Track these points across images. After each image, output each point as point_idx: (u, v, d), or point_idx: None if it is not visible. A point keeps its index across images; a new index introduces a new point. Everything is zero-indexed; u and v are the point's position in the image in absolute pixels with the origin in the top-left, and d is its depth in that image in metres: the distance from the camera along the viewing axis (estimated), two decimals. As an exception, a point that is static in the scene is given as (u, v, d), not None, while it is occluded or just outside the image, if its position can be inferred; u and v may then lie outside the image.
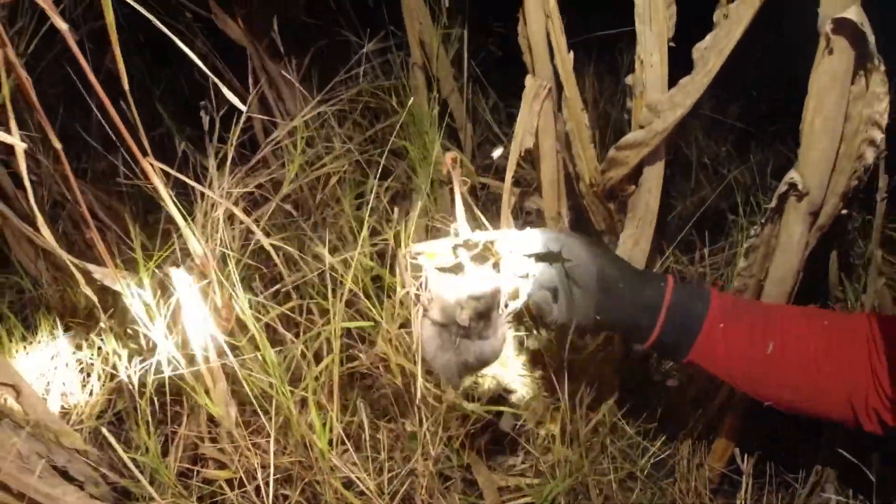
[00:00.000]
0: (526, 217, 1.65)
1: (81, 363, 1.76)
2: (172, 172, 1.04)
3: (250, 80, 1.73)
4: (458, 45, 1.69)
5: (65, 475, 1.23)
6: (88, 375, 1.69)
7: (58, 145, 0.94)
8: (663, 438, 1.45)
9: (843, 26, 0.77)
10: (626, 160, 1.10)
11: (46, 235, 0.82)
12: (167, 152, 1.82)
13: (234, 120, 1.29)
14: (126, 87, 0.97)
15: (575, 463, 1.32)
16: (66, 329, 1.86)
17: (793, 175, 0.91)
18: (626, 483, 1.42)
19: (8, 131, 0.81)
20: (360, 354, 1.18)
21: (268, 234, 1.45)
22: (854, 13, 0.75)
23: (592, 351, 1.32)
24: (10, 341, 1.81)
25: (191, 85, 2.01)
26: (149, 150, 1.05)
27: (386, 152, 1.49)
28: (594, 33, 1.52)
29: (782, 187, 0.93)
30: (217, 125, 1.30)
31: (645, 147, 1.07)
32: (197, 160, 1.73)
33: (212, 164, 1.34)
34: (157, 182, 1.00)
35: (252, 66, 1.96)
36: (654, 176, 1.11)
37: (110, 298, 1.27)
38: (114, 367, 1.66)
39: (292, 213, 1.67)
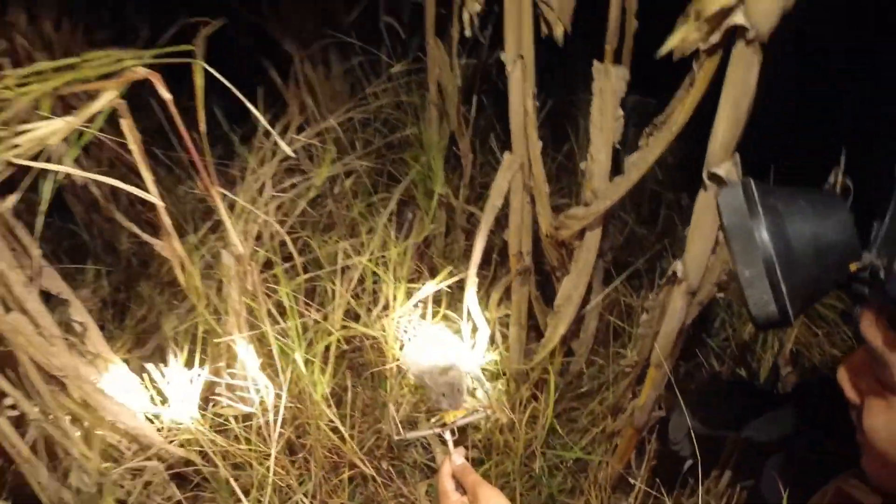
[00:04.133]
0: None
1: (118, 303, 2.11)
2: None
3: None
4: (469, 84, 1.99)
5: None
6: (122, 318, 2.04)
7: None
8: (588, 439, 1.80)
9: (714, 178, 1.09)
10: (571, 225, 1.43)
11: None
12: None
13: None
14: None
15: (512, 447, 1.67)
16: (109, 273, 2.20)
17: (677, 265, 1.24)
18: (553, 471, 1.78)
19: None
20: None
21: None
22: (723, 169, 1.06)
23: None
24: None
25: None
26: (207, 150, 1.36)
27: (400, 159, 1.85)
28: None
29: (670, 271, 1.25)
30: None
31: (585, 220, 1.40)
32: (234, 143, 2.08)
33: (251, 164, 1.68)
34: (216, 195, 1.33)
35: (294, 70, 2.31)
36: (592, 240, 1.45)
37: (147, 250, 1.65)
38: (147, 310, 2.01)
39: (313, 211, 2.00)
